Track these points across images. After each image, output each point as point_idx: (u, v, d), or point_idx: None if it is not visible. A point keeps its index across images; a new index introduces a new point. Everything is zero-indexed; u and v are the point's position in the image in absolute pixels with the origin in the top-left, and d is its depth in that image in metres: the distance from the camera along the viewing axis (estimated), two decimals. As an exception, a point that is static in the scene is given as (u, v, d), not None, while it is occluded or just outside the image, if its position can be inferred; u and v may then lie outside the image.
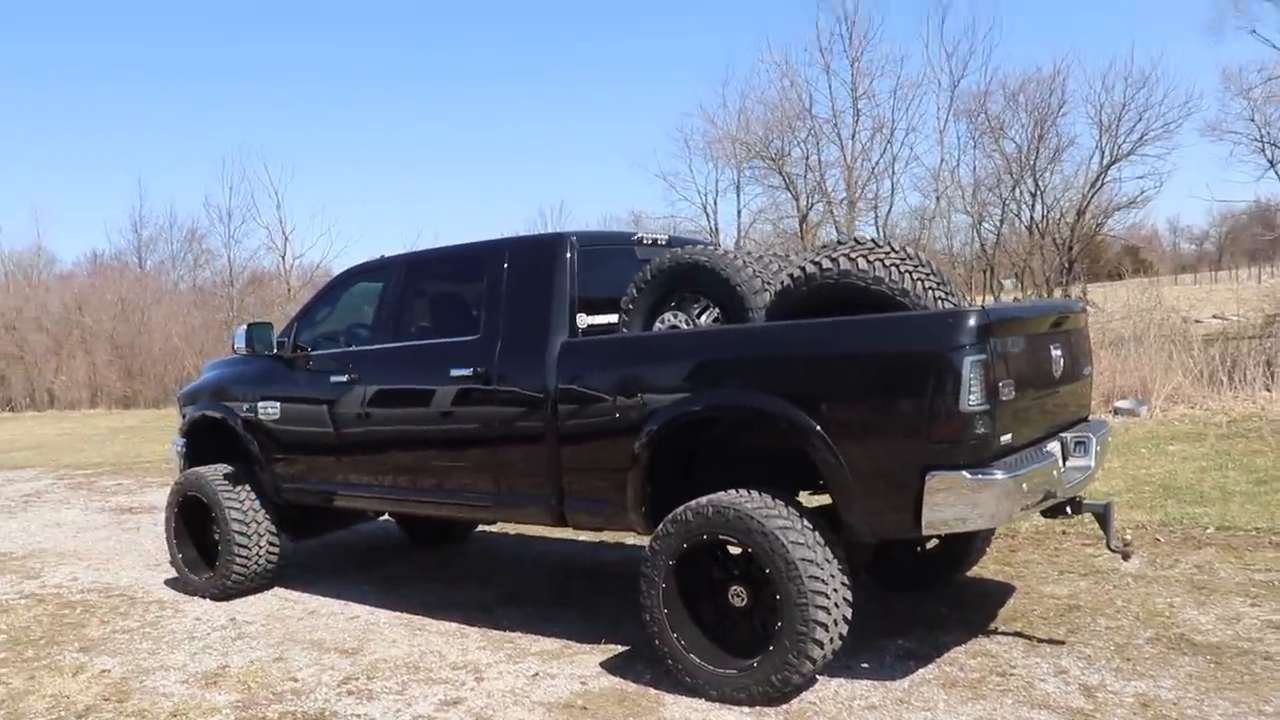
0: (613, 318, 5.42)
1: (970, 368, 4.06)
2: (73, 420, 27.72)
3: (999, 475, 4.13)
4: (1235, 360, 14.01)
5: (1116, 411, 13.04)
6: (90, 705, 5.07)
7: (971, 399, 4.08)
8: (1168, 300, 21.14)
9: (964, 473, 4.12)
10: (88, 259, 47.00)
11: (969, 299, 27.96)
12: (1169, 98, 30.45)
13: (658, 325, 5.22)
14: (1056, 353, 4.86)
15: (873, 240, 4.66)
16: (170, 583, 7.52)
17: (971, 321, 4.11)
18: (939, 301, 4.57)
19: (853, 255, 4.59)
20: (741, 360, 4.74)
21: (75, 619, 6.75)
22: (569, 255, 5.43)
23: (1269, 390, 13.13)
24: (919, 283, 4.52)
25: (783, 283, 4.79)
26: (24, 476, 14.90)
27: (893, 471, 4.26)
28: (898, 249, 4.65)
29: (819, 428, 4.37)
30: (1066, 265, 27.65)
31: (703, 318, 5.19)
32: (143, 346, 32.07)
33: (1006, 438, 4.30)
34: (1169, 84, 40.92)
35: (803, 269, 4.70)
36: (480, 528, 8.59)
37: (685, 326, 5.17)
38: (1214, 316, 26.35)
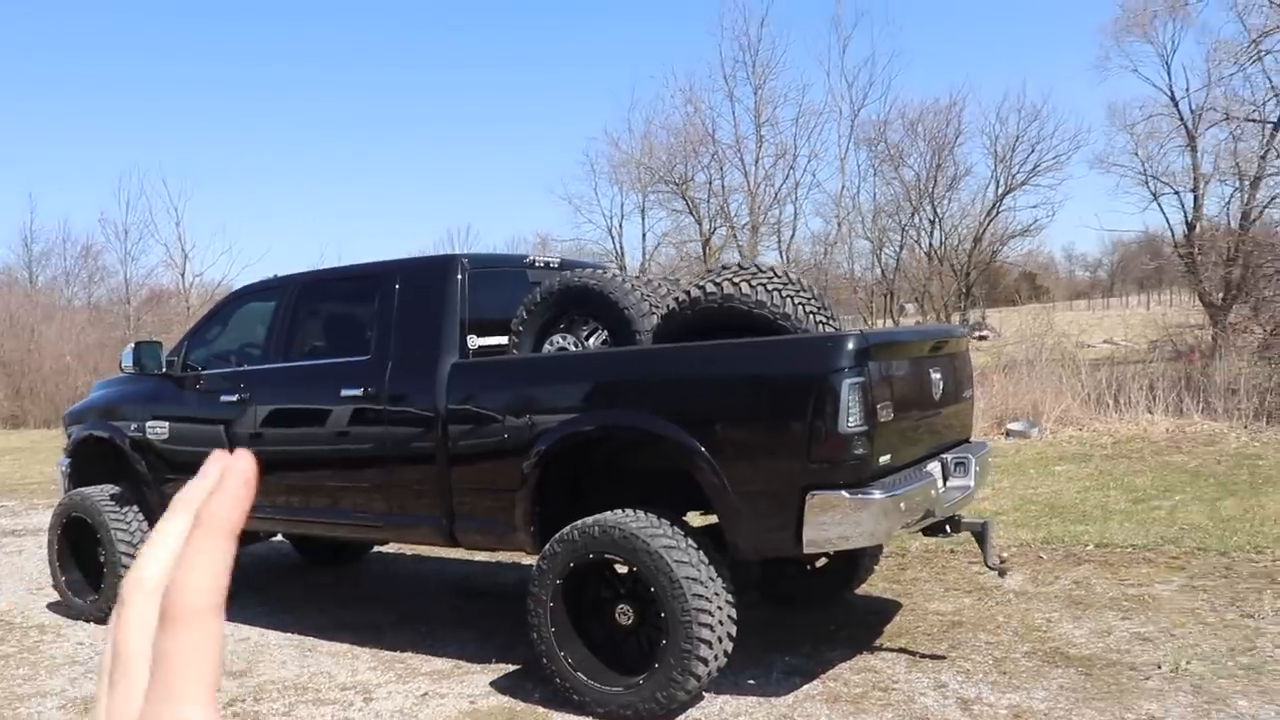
0: (503, 339, 5.45)
1: (848, 390, 4.17)
2: (-44, 441, 26.69)
3: (877, 495, 4.25)
4: (1120, 384, 14.50)
5: (1009, 433, 13.41)
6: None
7: (850, 420, 4.19)
8: (1061, 325, 21.86)
9: (843, 492, 4.23)
10: (-24, 272, 45.35)
11: (869, 323, 28.51)
12: (1059, 130, 31.71)
13: (547, 347, 5.27)
14: (936, 375, 5.02)
15: (755, 265, 4.77)
16: (53, 606, 7.31)
17: (850, 345, 4.23)
18: (820, 325, 4.69)
19: (735, 280, 4.70)
20: (627, 382, 4.81)
21: (-50, 645, 6.52)
22: (460, 277, 5.45)
23: (1150, 413, 13.62)
24: (800, 307, 4.64)
25: (668, 306, 4.88)
26: (-99, 499, 14.31)
27: (774, 492, 4.36)
28: (779, 274, 4.77)
29: (703, 448, 4.45)
30: (964, 290, 28.39)
31: (591, 340, 5.25)
32: (32, 365, 31.00)
33: (885, 458, 4.43)
34: (1059, 118, 42.45)
35: (687, 293, 4.79)
36: (376, 548, 8.51)
37: (573, 348, 5.22)
38: (1104, 341, 27.26)
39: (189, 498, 0.47)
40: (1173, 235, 24.57)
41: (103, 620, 6.76)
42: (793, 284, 4.73)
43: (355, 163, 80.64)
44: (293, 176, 77.88)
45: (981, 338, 29.41)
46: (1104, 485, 9.55)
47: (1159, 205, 24.51)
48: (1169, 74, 23.46)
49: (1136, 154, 24.65)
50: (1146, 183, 24.42)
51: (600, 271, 5.37)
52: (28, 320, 32.86)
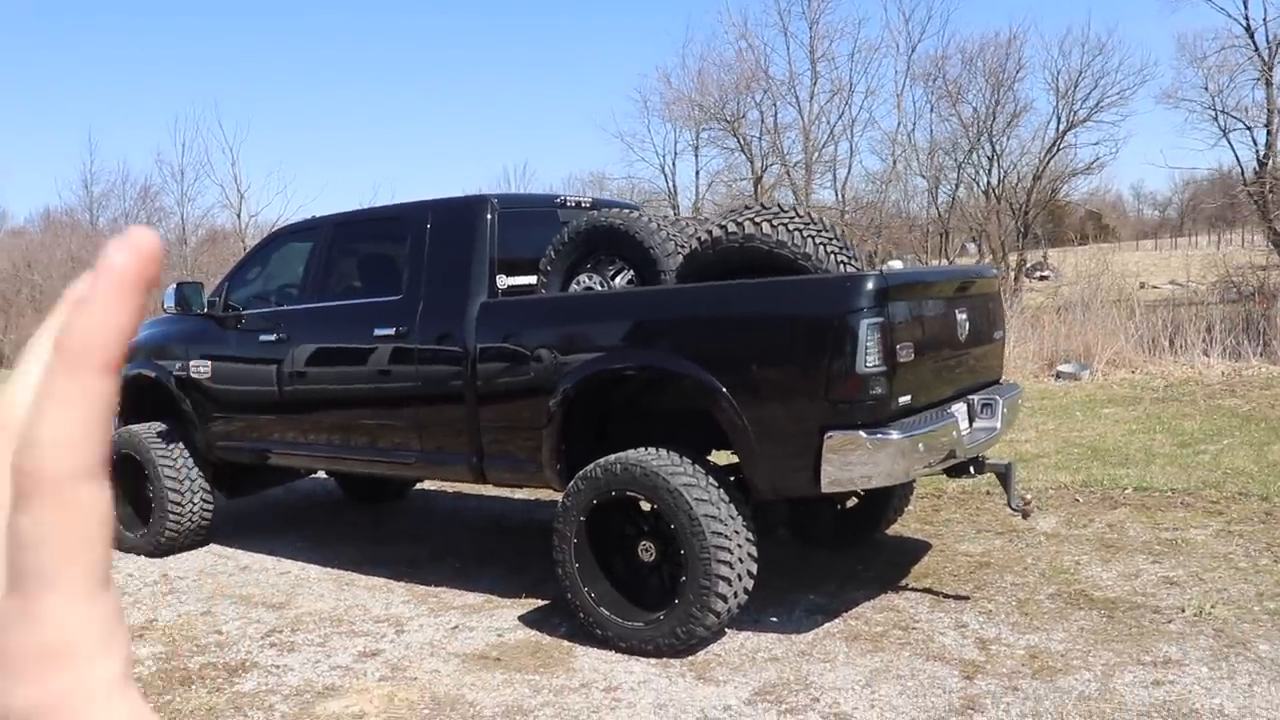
0: (532, 279, 5.49)
1: (866, 330, 4.17)
2: (26, 378, 27.39)
3: (895, 435, 4.25)
4: (1178, 326, 14.25)
5: (1059, 375, 13.27)
6: None
7: (868, 361, 4.19)
8: (1125, 265, 21.40)
9: (861, 433, 4.24)
10: (39, 216, 46.26)
11: (924, 261, 28.16)
12: (1125, 65, 30.76)
13: (574, 286, 5.30)
14: (962, 316, 4.98)
15: (777, 205, 4.75)
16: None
17: (869, 285, 4.22)
18: (841, 266, 4.67)
19: (757, 220, 4.68)
20: (650, 322, 4.83)
21: None
22: (490, 217, 5.48)
23: (1207, 356, 13.38)
24: (821, 247, 4.62)
25: (691, 247, 4.88)
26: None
27: (793, 431, 4.38)
28: (800, 214, 4.74)
29: (723, 388, 4.48)
30: (1023, 229, 27.85)
31: (618, 280, 5.27)
32: (95, 305, 31.70)
33: (906, 398, 4.42)
34: (1125, 52, 41.28)
35: (709, 233, 4.78)
36: (418, 485, 8.67)
37: (600, 288, 5.25)
38: (1170, 282, 26.69)
39: (62, 309, 0.36)
40: (1243, 173, 23.85)
41: (153, 553, 6.99)
42: (814, 224, 4.71)
43: (410, 104, 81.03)
44: (348, 117, 78.41)
45: (1042, 278, 28.93)
46: (1150, 429, 9.43)
47: (1229, 141, 23.78)
48: (1245, 3, 22.63)
49: (1206, 88, 23.90)
50: (1216, 118, 23.69)
51: (627, 211, 5.37)
52: (90, 262, 33.41)
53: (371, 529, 7.64)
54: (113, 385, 0.34)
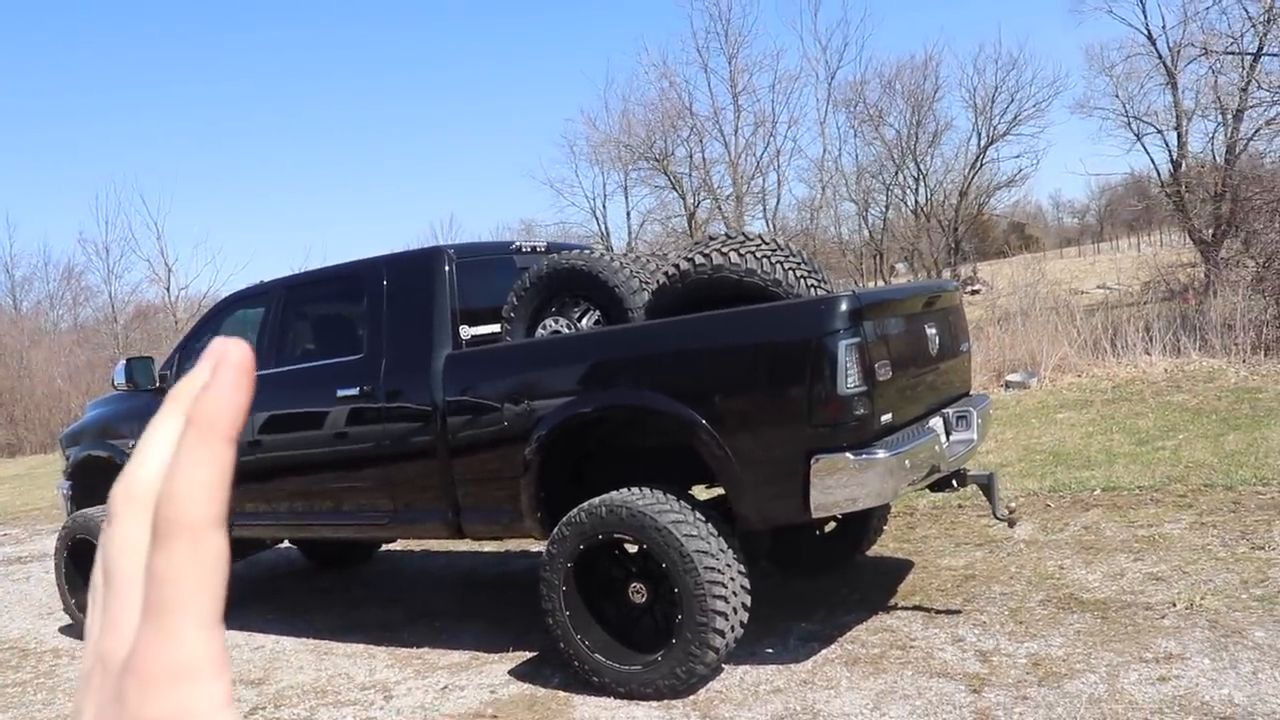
0: (495, 327, 5.42)
1: (845, 351, 4.15)
2: (-43, 472, 26.64)
3: (881, 454, 4.23)
4: (1117, 328, 14.49)
5: (1008, 385, 13.41)
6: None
7: (849, 381, 4.17)
8: (1053, 274, 21.82)
9: (848, 454, 4.21)
10: (-40, 303, 45.13)
11: (861, 285, 28.47)
12: (1038, 78, 31.53)
13: (540, 331, 5.24)
14: (931, 331, 5.00)
15: (742, 233, 4.74)
16: (65, 630, 7.29)
17: (843, 306, 4.21)
18: (811, 289, 4.67)
19: (724, 249, 4.67)
20: (624, 360, 4.78)
21: (-40, 674, 6.50)
22: (447, 268, 5.41)
23: (1148, 355, 13.61)
24: (790, 272, 4.62)
25: (659, 281, 4.85)
26: (-94, 534, 14.28)
27: (778, 458, 4.34)
28: (767, 240, 4.74)
29: (704, 420, 4.43)
30: (953, 245, 28.31)
31: (584, 321, 5.22)
32: (24, 391, 30.93)
33: (887, 417, 4.41)
34: (1037, 65, 42.40)
35: (677, 266, 4.76)
36: (383, 546, 8.49)
37: (566, 331, 5.19)
38: (1098, 287, 27.24)
39: (183, 392, 0.41)
40: (1159, 175, 24.51)
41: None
42: (781, 249, 4.71)
43: (334, 164, 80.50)
44: (272, 182, 77.81)
45: (974, 292, 29.37)
46: (1107, 429, 9.55)
47: (1143, 146, 24.46)
48: (1144, 12, 23.32)
49: (1117, 96, 24.58)
50: (1129, 124, 24.36)
51: (587, 252, 5.33)
52: (15, 347, 32.79)
53: (342, 595, 7.46)
54: (232, 453, 0.40)
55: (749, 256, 4.62)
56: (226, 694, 0.38)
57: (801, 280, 4.65)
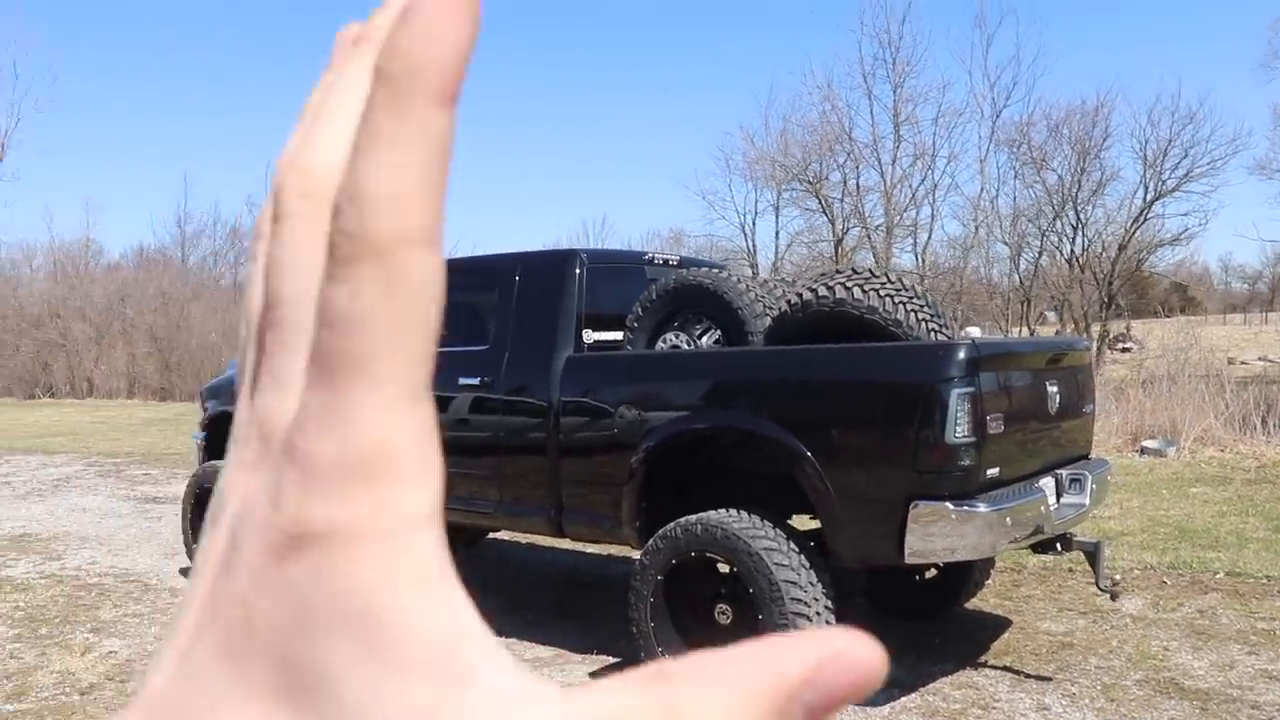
0: (619, 334, 5.52)
1: (957, 400, 4.11)
2: (110, 409, 28.17)
3: (982, 508, 4.17)
4: (1271, 404, 13.83)
5: (1144, 451, 12.94)
6: (94, 684, 5.21)
7: (958, 431, 4.13)
8: (1212, 339, 20.95)
9: (948, 504, 4.17)
10: (134, 252, 47.77)
11: (1006, 331, 27.80)
12: (1216, 134, 30.15)
13: (660, 344, 5.31)
14: (1053, 389, 4.89)
15: (869, 270, 4.73)
16: (184, 571, 7.68)
17: (960, 354, 4.16)
18: (932, 333, 4.62)
19: (849, 284, 4.66)
20: (736, 383, 4.82)
21: (90, 601, 6.91)
22: (578, 271, 5.53)
23: (1301, 436, 12.96)
24: (912, 314, 4.59)
25: (780, 309, 4.87)
26: (56, 462, 15.21)
27: (878, 499, 4.32)
28: (892, 279, 4.72)
29: (809, 452, 4.44)
30: (1107, 300, 27.44)
31: (705, 339, 5.27)
32: (181, 340, 32.59)
33: (994, 471, 4.34)
34: (1216, 120, 40.45)
35: (799, 295, 4.77)
36: (492, 535, 8.69)
37: (686, 346, 5.25)
38: (1259, 358, 26.03)
39: (379, 31, 0.27)
40: (1337, 249, 23.27)
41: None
42: (905, 290, 4.68)
43: (492, 153, 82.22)
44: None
45: (1124, 349, 28.39)
46: (1243, 511, 9.14)
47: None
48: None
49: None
50: (1310, 191, 23.18)
51: (715, 271, 5.39)
52: (179, 298, 34.53)
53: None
54: (452, 121, 0.25)
55: (872, 294, 4.61)
56: (431, 512, 0.25)
57: (923, 324, 4.61)
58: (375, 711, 0.24)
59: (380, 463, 0.24)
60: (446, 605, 0.25)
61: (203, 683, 0.25)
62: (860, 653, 0.25)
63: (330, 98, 0.28)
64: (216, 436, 7.66)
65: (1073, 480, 4.94)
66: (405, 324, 0.24)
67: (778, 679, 0.24)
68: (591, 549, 8.03)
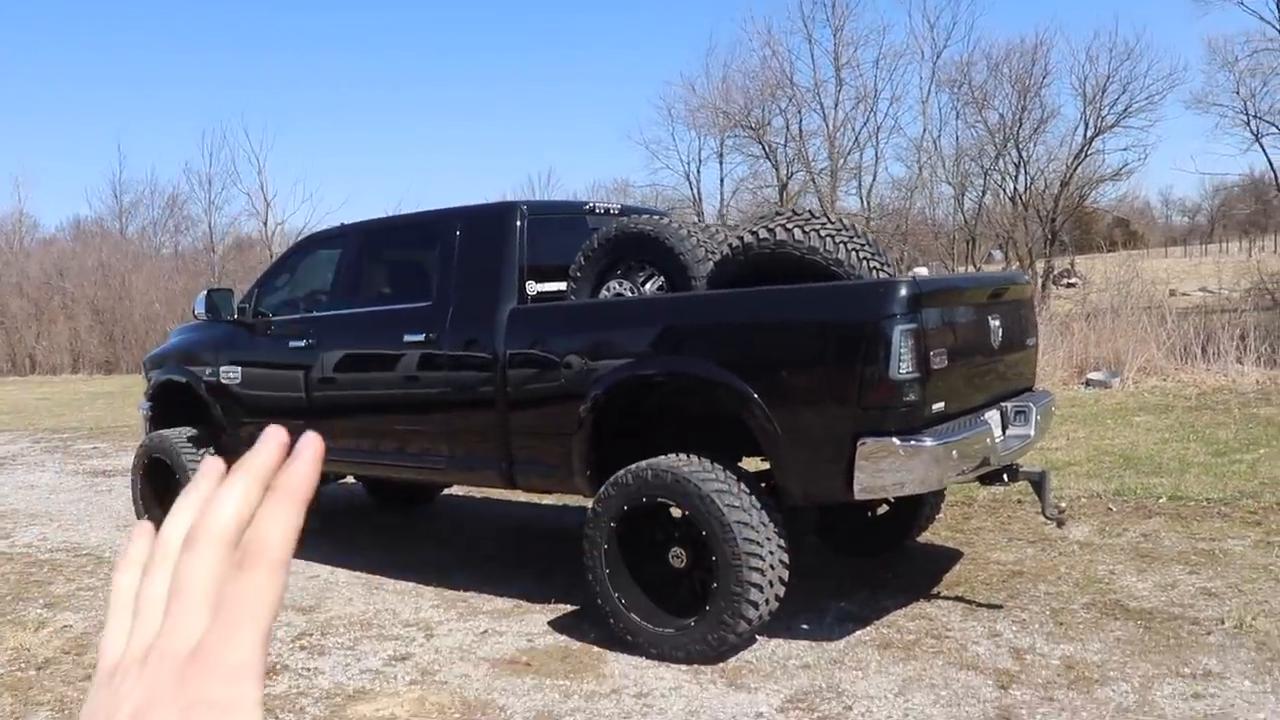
0: (562, 285, 5.49)
1: (900, 336, 4.13)
2: (54, 385, 27.69)
3: (929, 442, 4.22)
4: (1210, 333, 14.07)
5: (1089, 383, 13.15)
6: (50, 658, 5.16)
7: (902, 367, 4.16)
8: (1154, 272, 21.21)
9: (895, 439, 4.21)
10: (70, 225, 46.74)
11: (952, 270, 28.01)
12: (1153, 69, 30.39)
13: (604, 293, 5.29)
14: (995, 323, 4.94)
15: (808, 211, 4.73)
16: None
17: (902, 291, 4.19)
18: (873, 272, 4.64)
19: (789, 226, 4.66)
20: (681, 328, 4.82)
21: (42, 576, 6.83)
22: (519, 223, 5.49)
23: (1241, 364, 13.21)
24: (854, 253, 4.60)
25: (722, 253, 4.87)
26: (0, 440, 14.95)
27: (826, 437, 4.35)
28: (832, 220, 4.72)
29: (755, 394, 4.45)
30: (1050, 236, 27.70)
31: (648, 286, 5.26)
32: (124, 312, 32.03)
33: (939, 405, 4.39)
34: (1153, 56, 40.77)
35: (740, 239, 4.77)
36: (445, 491, 8.68)
37: (630, 294, 5.24)
38: (1199, 289, 26.44)
39: (251, 464, 0.53)
40: (1276, 178, 23.64)
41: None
42: (845, 230, 4.69)
43: (433, 109, 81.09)
44: (371, 124, 78.86)
45: (1069, 285, 28.73)
46: (1184, 437, 9.33)
47: (1261, 146, 23.64)
48: (1277, 5, 22.42)
49: (1238, 92, 23.75)
50: (1249, 122, 23.54)
51: (657, 218, 5.37)
52: (119, 269, 33.89)
53: (400, 533, 7.65)
54: (302, 516, 0.50)
55: (813, 234, 4.61)
56: (260, 696, 0.48)
57: (864, 262, 4.63)
58: None
59: (248, 670, 0.48)
60: None
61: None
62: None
63: (223, 493, 0.53)
64: (162, 404, 7.56)
65: (1017, 412, 5.01)
66: (271, 603, 0.49)
67: None
68: (544, 501, 8.04)
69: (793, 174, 30.45)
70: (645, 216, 5.43)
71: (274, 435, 0.53)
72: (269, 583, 0.49)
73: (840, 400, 4.30)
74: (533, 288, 5.44)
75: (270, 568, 0.49)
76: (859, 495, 4.37)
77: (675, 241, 5.05)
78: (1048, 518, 5.00)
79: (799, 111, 30.53)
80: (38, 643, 5.39)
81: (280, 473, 0.51)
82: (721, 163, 33.72)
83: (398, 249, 6.54)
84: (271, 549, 0.49)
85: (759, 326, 4.57)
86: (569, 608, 5.52)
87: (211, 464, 0.57)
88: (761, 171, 32.27)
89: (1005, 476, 4.99)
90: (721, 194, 33.97)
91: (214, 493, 0.53)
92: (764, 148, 30.81)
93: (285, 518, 0.50)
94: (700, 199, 33.76)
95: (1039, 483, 5.01)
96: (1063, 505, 5.11)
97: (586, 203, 6.23)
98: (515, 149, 79.30)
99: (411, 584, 6.20)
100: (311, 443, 0.52)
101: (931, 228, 31.46)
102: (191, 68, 70.92)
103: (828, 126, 29.81)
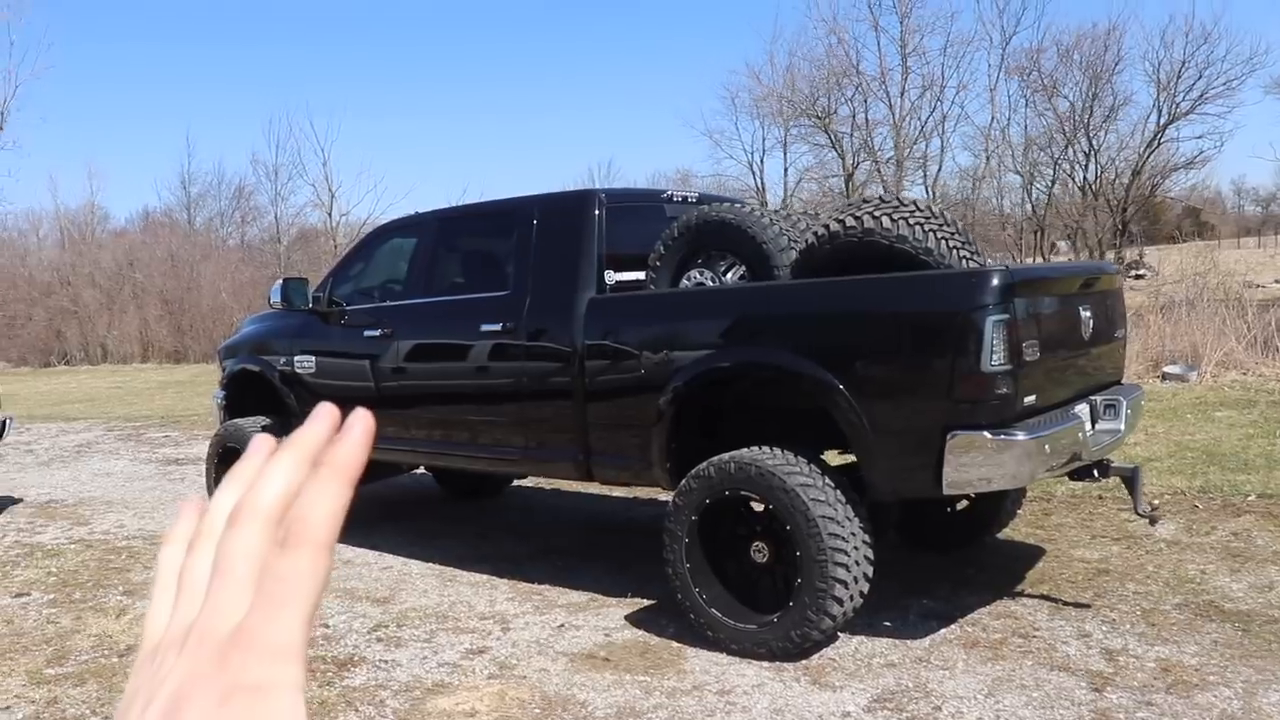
0: (640, 274, 5.43)
1: (992, 327, 4.02)
2: (125, 374, 28.22)
3: (1020, 436, 4.10)
4: (1292, 326, 13.68)
5: (1165, 376, 12.85)
6: (131, 645, 5.22)
7: (994, 359, 4.05)
8: (1227, 264, 20.68)
9: (986, 433, 4.10)
10: (139, 216, 47.60)
11: (1019, 260, 27.56)
12: (1232, 53, 29.54)
13: (684, 282, 5.22)
14: (1086, 314, 4.80)
15: (897, 198, 4.62)
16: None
17: (994, 281, 4.07)
18: (963, 261, 4.53)
19: (876, 214, 4.55)
20: (765, 318, 4.74)
21: (120, 564, 6.92)
22: (597, 212, 5.44)
23: (1324, 357, 12.84)
24: (943, 241, 4.48)
25: (807, 241, 4.78)
26: (76, 428, 15.24)
27: (914, 431, 4.25)
28: (921, 208, 4.61)
29: (841, 386, 4.36)
30: (1120, 227, 27.13)
31: (729, 275, 5.18)
32: (192, 302, 32.59)
33: (1031, 398, 4.27)
34: (1232, 39, 39.60)
35: (826, 227, 4.67)
36: (515, 482, 8.67)
37: (711, 284, 5.17)
38: (1276, 281, 25.77)
39: (300, 440, 0.50)
40: (1355, 167, 22.89)
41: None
42: (935, 218, 4.57)
43: (495, 100, 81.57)
44: (435, 116, 79.49)
45: (1138, 276, 28.17)
46: (1269, 433, 9.05)
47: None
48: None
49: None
50: (1328, 110, 22.78)
51: (738, 206, 5.29)
52: (188, 260, 34.48)
53: (472, 525, 7.65)
54: (350, 494, 0.48)
55: (901, 222, 4.50)
56: (303, 678, 0.46)
57: (954, 251, 4.51)
58: None
59: (290, 652, 0.46)
60: None
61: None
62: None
63: (271, 470, 0.50)
64: (236, 394, 7.63)
65: (1107, 406, 4.86)
66: (315, 584, 0.47)
67: None
68: (616, 493, 8.01)
69: (858, 164, 30.16)
70: (726, 204, 5.36)
71: (325, 412, 0.51)
72: (313, 563, 0.47)
73: (930, 392, 4.20)
74: (611, 277, 5.39)
75: (314, 548, 0.47)
76: (948, 490, 4.27)
77: (758, 230, 4.97)
78: (1141, 514, 4.86)
79: (865, 100, 30.27)
80: (119, 629, 5.46)
81: (329, 449, 0.49)
82: (786, 152, 33.52)
83: (473, 238, 6.52)
84: (316, 528, 0.47)
85: (847, 317, 4.47)
86: (645, 602, 5.47)
87: (261, 440, 0.54)
88: (826, 161, 32.02)
89: (1096, 472, 4.85)
90: (785, 183, 33.80)
91: (262, 469, 0.51)
92: (829, 137, 30.55)
93: (331, 496, 0.47)
94: (764, 189, 33.59)
95: (1131, 479, 4.86)
96: (1156, 502, 4.95)
97: (664, 191, 6.16)
98: (575, 139, 79.55)
99: (485, 576, 6.18)
100: (361, 419, 0.50)
101: (999, 218, 30.99)
102: (258, 60, 72.13)
103: (894, 115, 29.50)
